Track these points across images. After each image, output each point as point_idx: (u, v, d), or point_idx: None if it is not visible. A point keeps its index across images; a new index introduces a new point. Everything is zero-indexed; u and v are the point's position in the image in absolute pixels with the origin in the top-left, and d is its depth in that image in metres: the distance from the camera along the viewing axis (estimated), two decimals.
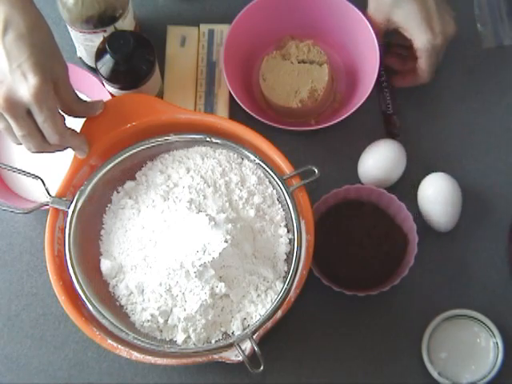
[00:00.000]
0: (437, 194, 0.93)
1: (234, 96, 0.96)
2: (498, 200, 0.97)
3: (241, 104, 0.96)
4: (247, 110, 0.95)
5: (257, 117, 0.95)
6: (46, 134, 0.77)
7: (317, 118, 1.01)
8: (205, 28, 1.04)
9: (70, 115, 0.83)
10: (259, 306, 0.82)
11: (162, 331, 0.83)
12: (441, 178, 0.94)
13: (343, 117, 0.94)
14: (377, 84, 0.96)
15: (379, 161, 0.95)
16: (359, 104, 0.94)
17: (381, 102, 1.01)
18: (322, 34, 1.03)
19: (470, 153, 1.00)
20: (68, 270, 0.82)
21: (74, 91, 0.82)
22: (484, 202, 0.97)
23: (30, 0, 0.78)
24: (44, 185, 0.83)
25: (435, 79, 1.01)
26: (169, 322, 0.82)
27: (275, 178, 0.84)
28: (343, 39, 1.02)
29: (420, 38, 0.92)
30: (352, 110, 0.94)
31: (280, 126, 0.94)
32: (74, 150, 0.84)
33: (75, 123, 0.85)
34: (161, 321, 0.82)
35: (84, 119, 0.86)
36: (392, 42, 0.98)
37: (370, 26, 0.96)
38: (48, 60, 0.77)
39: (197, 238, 0.80)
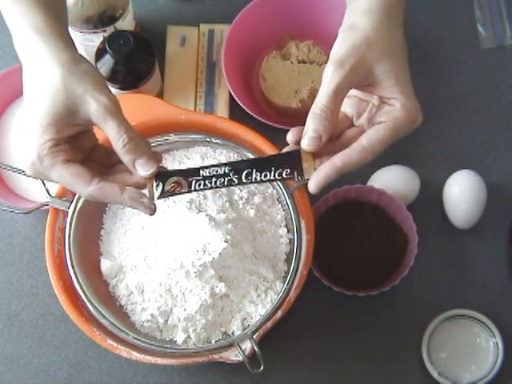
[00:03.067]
0: (462, 192, 0.93)
1: (234, 96, 0.96)
2: (498, 200, 0.97)
3: (241, 104, 0.96)
4: (247, 110, 0.95)
5: (257, 117, 0.95)
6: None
7: None
8: (205, 28, 1.04)
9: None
10: (259, 306, 0.82)
11: (161, 331, 0.83)
12: (467, 175, 0.94)
13: None
14: None
15: (390, 188, 0.93)
16: None
17: None
18: (322, 34, 1.03)
19: (470, 153, 1.00)
20: (68, 269, 0.82)
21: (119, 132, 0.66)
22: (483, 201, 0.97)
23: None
24: (44, 185, 0.82)
25: (435, 80, 1.02)
26: (169, 321, 0.82)
27: None
28: None
29: (405, 101, 0.67)
30: None
31: (280, 126, 0.94)
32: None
33: None
34: (161, 321, 0.82)
35: None
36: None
37: None
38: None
39: (197, 238, 0.80)
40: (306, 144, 0.67)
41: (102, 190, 0.67)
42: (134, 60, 0.92)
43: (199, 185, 0.68)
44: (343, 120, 0.72)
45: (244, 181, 0.67)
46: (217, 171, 0.68)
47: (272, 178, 0.68)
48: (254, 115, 0.95)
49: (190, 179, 0.68)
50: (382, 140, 0.68)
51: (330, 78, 0.66)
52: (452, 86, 1.03)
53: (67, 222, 0.83)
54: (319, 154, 0.69)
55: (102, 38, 0.94)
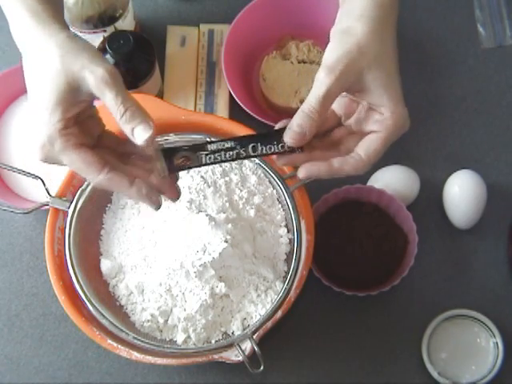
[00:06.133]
0: (462, 192, 0.93)
1: (234, 96, 0.96)
2: (498, 200, 0.97)
3: (241, 104, 0.96)
4: (247, 110, 0.95)
5: (257, 117, 0.95)
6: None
7: None
8: (205, 28, 1.04)
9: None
10: (259, 306, 0.82)
11: (161, 331, 0.83)
12: (467, 175, 0.94)
13: None
14: None
15: (390, 188, 0.93)
16: None
17: None
18: (322, 34, 1.02)
19: (470, 153, 1.00)
20: (68, 269, 0.82)
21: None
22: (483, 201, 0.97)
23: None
24: (44, 185, 0.82)
25: (435, 80, 1.01)
26: (169, 321, 0.82)
27: (275, 178, 0.84)
28: None
29: (394, 109, 0.69)
30: None
31: None
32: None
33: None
34: (161, 321, 0.82)
35: None
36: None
37: None
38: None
39: (197, 237, 0.80)
40: (288, 138, 0.69)
41: (110, 180, 0.67)
42: (134, 60, 0.92)
43: (209, 158, 0.69)
44: (331, 117, 0.73)
45: (251, 153, 0.69)
46: (223, 145, 0.69)
47: (276, 150, 0.69)
48: (254, 115, 0.95)
49: (198, 153, 0.69)
50: (377, 150, 0.70)
51: (320, 82, 0.68)
52: (452, 86, 1.03)
53: (67, 221, 0.83)
54: (310, 148, 0.70)
55: (102, 38, 0.94)
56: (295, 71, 1.01)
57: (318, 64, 1.00)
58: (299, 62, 1.01)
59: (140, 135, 0.65)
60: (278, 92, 1.00)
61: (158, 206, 0.69)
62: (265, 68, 1.01)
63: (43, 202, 0.83)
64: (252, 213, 0.84)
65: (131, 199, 0.70)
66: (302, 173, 0.70)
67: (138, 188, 0.67)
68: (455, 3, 1.06)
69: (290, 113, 0.98)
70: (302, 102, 0.96)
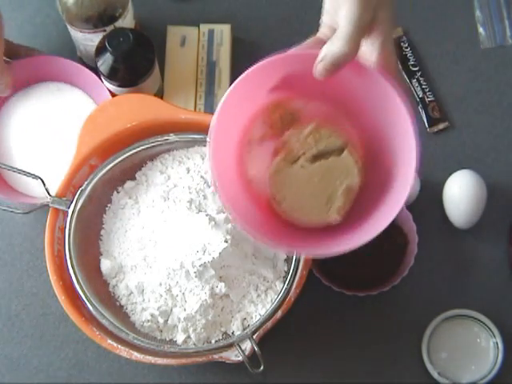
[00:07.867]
0: (462, 192, 0.93)
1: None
2: (498, 200, 0.97)
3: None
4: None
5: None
6: None
7: None
8: (205, 28, 1.04)
9: None
10: (259, 305, 0.82)
11: (162, 331, 0.83)
12: (467, 175, 0.94)
13: None
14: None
15: None
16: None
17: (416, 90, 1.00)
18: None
19: (470, 153, 1.00)
20: (68, 269, 0.82)
21: None
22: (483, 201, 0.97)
23: None
24: (44, 185, 0.83)
25: (435, 80, 1.01)
26: (169, 322, 0.82)
27: None
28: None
29: None
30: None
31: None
32: None
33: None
34: (161, 321, 0.82)
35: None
36: None
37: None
38: None
39: (197, 238, 0.80)
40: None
41: None
42: (134, 57, 0.92)
43: None
44: None
45: None
46: None
47: None
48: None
49: None
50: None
51: None
52: (452, 86, 1.03)
53: (67, 221, 0.83)
54: None
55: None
56: (314, 176, 0.72)
57: (337, 153, 0.73)
58: (313, 162, 0.73)
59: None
60: (303, 210, 0.73)
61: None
62: (275, 187, 0.73)
63: (43, 202, 0.83)
64: None
65: None
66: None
67: None
68: (455, 3, 1.06)
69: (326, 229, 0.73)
70: (338, 212, 0.72)
